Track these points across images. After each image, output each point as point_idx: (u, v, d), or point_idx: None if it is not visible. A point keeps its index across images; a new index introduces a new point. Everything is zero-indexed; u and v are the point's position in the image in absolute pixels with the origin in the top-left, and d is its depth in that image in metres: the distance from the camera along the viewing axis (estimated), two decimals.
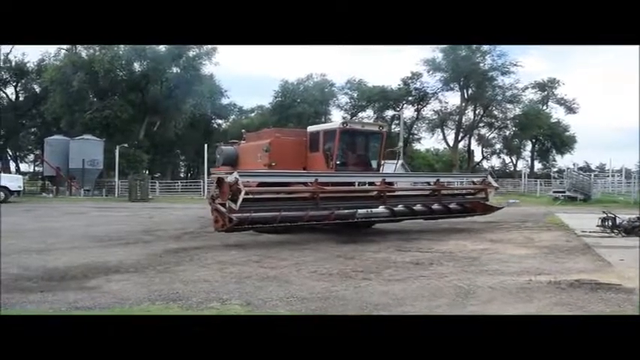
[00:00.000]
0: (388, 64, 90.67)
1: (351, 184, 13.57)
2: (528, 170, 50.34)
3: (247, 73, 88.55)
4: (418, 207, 13.35)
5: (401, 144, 45.72)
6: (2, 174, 35.98)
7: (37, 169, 53.04)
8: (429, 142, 79.03)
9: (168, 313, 5.26)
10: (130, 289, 6.36)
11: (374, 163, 14.76)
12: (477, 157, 62.53)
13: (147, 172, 44.38)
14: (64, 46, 43.21)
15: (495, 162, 65.83)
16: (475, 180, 15.88)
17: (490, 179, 14.87)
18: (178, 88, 44.77)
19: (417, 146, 64.87)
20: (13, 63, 49.89)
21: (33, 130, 54.92)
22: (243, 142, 16.97)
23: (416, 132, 61.71)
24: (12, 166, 55.08)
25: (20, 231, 13.50)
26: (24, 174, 46.91)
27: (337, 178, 13.17)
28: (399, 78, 59.06)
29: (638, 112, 46.87)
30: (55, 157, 37.36)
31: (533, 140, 59.72)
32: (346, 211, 12.09)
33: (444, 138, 59.08)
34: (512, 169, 63.00)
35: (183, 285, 6.59)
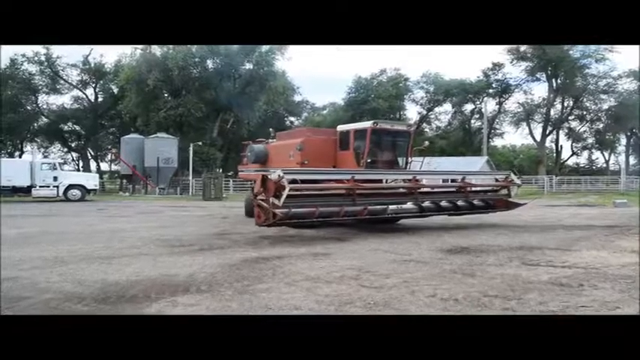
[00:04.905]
0: (466, 56, 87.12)
1: (380, 181, 13.90)
2: (619, 167, 45.72)
3: (319, 71, 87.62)
4: (444, 203, 13.83)
5: (484, 138, 43.16)
6: (79, 173, 36.51)
7: (115, 167, 54.16)
8: (513, 137, 75.05)
9: None
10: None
11: (401, 161, 15.28)
12: (566, 152, 58.34)
13: (220, 170, 44.09)
14: (139, 46, 43.35)
15: (582, 158, 61.32)
16: (498, 177, 16.05)
17: (513, 177, 15.30)
18: (251, 85, 44.07)
19: (497, 142, 61.54)
20: (92, 64, 51.01)
21: (111, 130, 56.12)
22: (273, 140, 17.73)
23: (498, 126, 58.28)
24: (92, 165, 56.71)
25: (89, 233, 12.79)
26: (103, 173, 47.93)
27: (372, 176, 13.47)
28: (479, 69, 56.21)
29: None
30: (130, 156, 37.61)
31: (629, 134, 54.81)
32: (379, 207, 12.57)
33: (530, 132, 55.18)
34: (599, 165, 58.27)
35: (269, 313, 5.01)
